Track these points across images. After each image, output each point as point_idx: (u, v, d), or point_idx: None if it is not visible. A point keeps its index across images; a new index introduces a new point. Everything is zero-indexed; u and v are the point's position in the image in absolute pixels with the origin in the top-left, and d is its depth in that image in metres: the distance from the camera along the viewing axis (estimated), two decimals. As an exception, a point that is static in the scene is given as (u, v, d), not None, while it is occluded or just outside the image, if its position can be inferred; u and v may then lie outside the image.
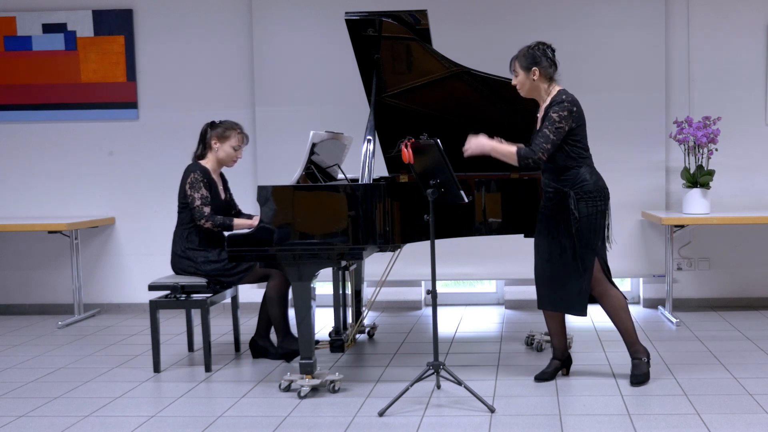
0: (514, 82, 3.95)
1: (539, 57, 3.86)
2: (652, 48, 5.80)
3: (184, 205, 4.51)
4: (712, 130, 5.32)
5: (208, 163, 4.59)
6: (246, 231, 3.97)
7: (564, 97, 3.84)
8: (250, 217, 4.69)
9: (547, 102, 3.89)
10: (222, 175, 4.72)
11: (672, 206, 5.89)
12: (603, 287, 3.96)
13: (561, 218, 3.88)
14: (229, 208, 4.71)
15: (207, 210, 4.43)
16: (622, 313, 3.99)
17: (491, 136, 4.56)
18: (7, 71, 6.25)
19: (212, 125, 4.61)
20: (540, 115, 3.94)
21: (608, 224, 3.98)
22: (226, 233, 4.14)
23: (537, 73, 3.86)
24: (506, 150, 3.86)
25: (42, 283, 6.36)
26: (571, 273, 3.90)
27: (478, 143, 3.90)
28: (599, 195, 3.89)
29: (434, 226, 3.82)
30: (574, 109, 3.83)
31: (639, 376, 3.98)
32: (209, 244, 4.51)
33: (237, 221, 4.49)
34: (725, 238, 5.95)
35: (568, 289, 3.93)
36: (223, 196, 4.66)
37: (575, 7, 5.84)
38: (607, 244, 3.98)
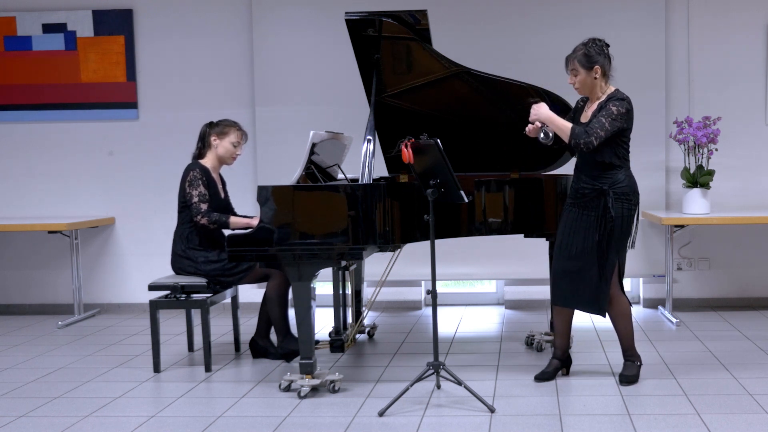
0: (571, 82, 3.92)
1: (599, 55, 3.87)
2: (652, 48, 5.80)
3: (184, 205, 4.51)
4: (712, 130, 5.32)
5: (207, 162, 4.60)
6: (246, 231, 3.97)
7: (625, 96, 3.87)
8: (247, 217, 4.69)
9: (602, 99, 3.89)
10: (221, 176, 4.72)
11: (672, 206, 5.89)
12: (613, 290, 3.96)
13: (594, 215, 3.88)
14: (227, 208, 4.71)
15: (204, 207, 4.44)
16: (625, 319, 4.02)
17: (491, 136, 4.58)
18: (7, 71, 6.25)
19: (210, 125, 4.63)
20: (590, 109, 3.95)
21: (635, 228, 3.99)
22: (226, 233, 4.15)
23: (599, 71, 3.87)
24: (562, 124, 3.87)
25: (42, 283, 6.36)
26: (595, 272, 3.89)
27: (537, 112, 3.91)
28: (634, 198, 3.92)
29: (434, 226, 3.82)
30: (630, 109, 3.88)
31: (628, 377, 4.00)
32: (209, 245, 4.52)
33: (234, 219, 4.50)
34: (725, 238, 5.95)
35: (589, 288, 3.92)
36: (222, 195, 4.67)
37: (575, 7, 5.84)
38: (628, 248, 3.99)
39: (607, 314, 4.01)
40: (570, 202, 4.00)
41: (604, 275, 3.89)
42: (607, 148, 3.85)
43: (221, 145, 4.59)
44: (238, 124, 4.66)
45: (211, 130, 4.61)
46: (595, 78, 3.88)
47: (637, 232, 4.02)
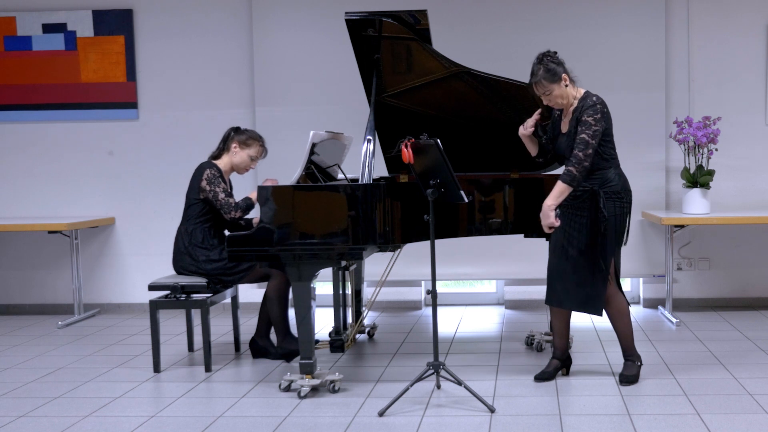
0: (546, 101, 3.87)
1: (558, 65, 3.83)
2: (652, 48, 5.80)
3: (195, 201, 4.50)
4: (712, 130, 5.32)
5: (221, 164, 4.61)
6: (246, 231, 3.96)
7: (595, 99, 3.84)
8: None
9: (575, 105, 3.88)
10: (229, 180, 4.73)
11: (672, 206, 5.89)
12: (611, 289, 3.97)
13: (586, 216, 3.88)
14: None
15: (233, 201, 4.45)
16: (624, 318, 4.01)
17: (491, 136, 4.58)
18: (7, 71, 6.25)
19: (237, 130, 4.65)
20: (566, 117, 3.94)
21: (628, 226, 3.99)
22: (226, 233, 4.16)
23: (567, 78, 3.85)
24: (558, 191, 3.81)
25: (42, 283, 6.36)
26: (590, 272, 3.89)
27: (547, 215, 3.82)
28: (626, 197, 3.92)
29: (434, 226, 3.82)
30: (605, 110, 3.85)
31: (628, 377, 4.00)
32: (212, 244, 4.51)
33: (254, 194, 4.46)
34: (725, 238, 5.95)
35: (585, 288, 3.92)
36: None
37: (575, 8, 5.84)
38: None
39: (605, 313, 4.02)
40: (562, 203, 4.00)
41: (600, 275, 3.90)
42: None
43: (239, 155, 4.60)
44: (262, 139, 4.68)
45: (235, 136, 4.62)
46: (566, 86, 3.85)
47: (629, 230, 4.00)
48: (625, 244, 4.01)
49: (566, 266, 3.95)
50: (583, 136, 3.78)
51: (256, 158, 4.66)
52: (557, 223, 3.85)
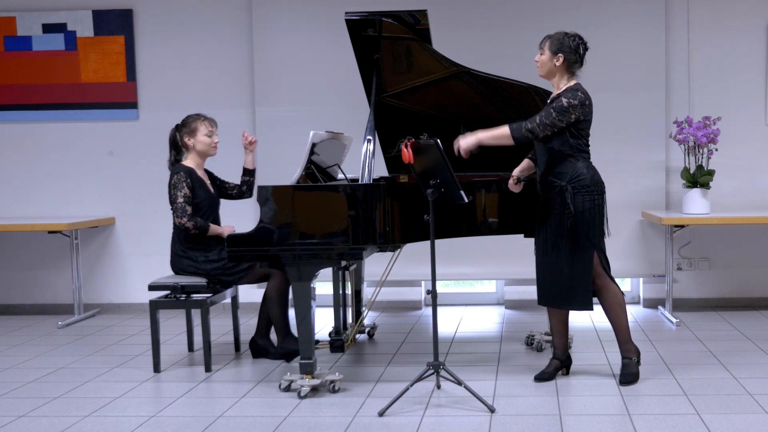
0: (536, 59, 3.96)
1: (570, 47, 3.88)
2: (652, 48, 5.80)
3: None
4: (712, 130, 5.32)
5: (190, 162, 4.61)
6: (246, 231, 3.96)
7: (579, 91, 3.87)
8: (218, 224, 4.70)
9: (561, 91, 3.90)
10: (207, 172, 4.72)
11: (672, 206, 5.89)
12: (602, 281, 3.97)
13: (557, 212, 3.90)
14: (216, 205, 4.69)
15: (189, 209, 4.45)
16: (618, 309, 4.00)
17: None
18: (7, 71, 6.25)
19: (177, 127, 4.66)
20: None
21: (605, 217, 3.99)
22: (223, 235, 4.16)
23: (561, 59, 3.88)
24: (497, 132, 3.88)
25: (42, 283, 6.36)
26: (570, 268, 3.90)
27: (465, 142, 3.91)
28: (596, 189, 3.91)
29: (434, 226, 3.82)
30: (587, 102, 3.86)
31: (628, 376, 3.99)
32: (208, 244, 4.51)
33: (213, 227, 4.52)
34: (725, 238, 5.95)
35: (568, 284, 3.93)
36: (212, 190, 4.67)
37: (575, 7, 5.84)
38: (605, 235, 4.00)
39: (600, 306, 4.03)
40: (539, 200, 4.03)
41: (578, 270, 3.90)
42: (557, 140, 3.86)
43: (197, 142, 4.60)
44: (202, 114, 4.67)
45: (180, 133, 4.63)
46: (555, 65, 3.90)
47: (607, 221, 3.99)
48: (608, 235, 4.00)
49: (549, 265, 3.98)
50: (550, 110, 3.82)
51: (211, 133, 4.63)
52: (465, 147, 3.90)
